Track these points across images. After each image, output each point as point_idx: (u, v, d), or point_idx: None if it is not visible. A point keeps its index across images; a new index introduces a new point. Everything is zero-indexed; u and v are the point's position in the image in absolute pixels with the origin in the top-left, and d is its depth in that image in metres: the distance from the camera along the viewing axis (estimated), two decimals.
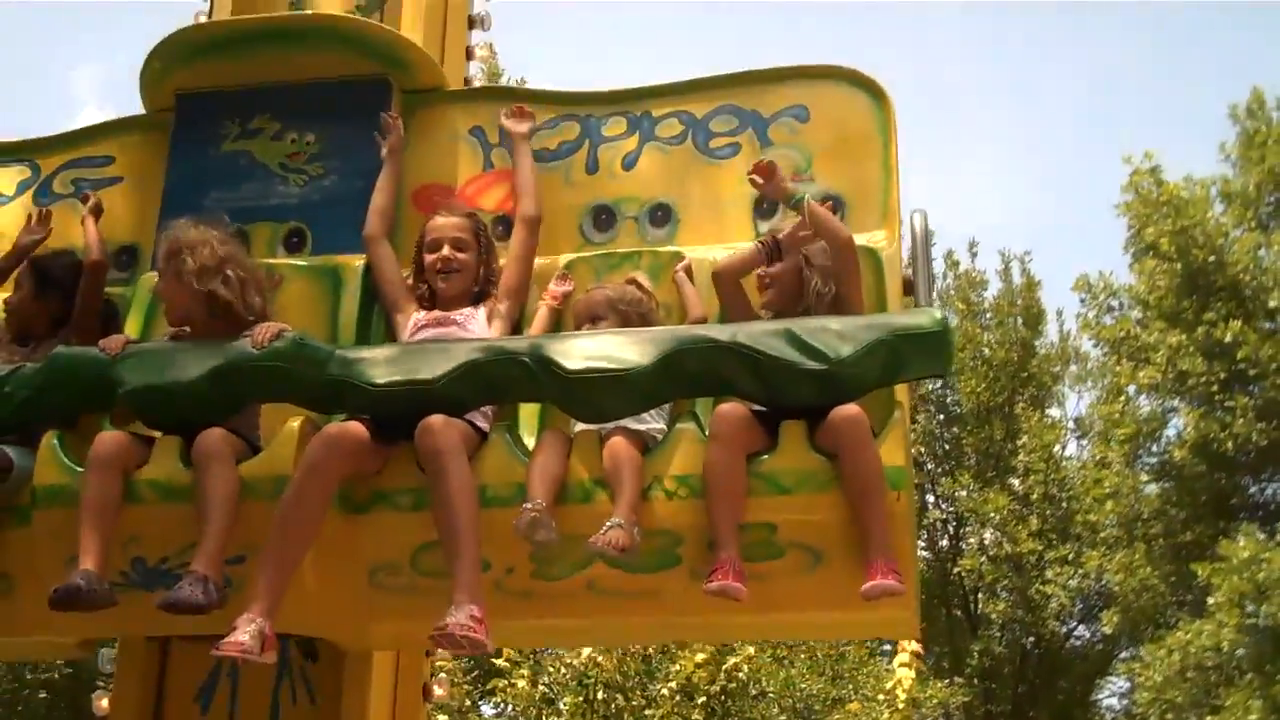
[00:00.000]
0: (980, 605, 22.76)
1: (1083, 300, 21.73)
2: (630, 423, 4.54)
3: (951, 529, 23.67)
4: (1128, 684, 20.99)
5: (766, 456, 4.36)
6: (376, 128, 5.42)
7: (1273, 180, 19.92)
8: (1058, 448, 23.19)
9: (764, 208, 5.23)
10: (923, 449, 22.84)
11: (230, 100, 5.60)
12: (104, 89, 43.37)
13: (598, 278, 5.18)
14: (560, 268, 5.23)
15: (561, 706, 13.56)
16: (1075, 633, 23.29)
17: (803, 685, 15.38)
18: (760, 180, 4.84)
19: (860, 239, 5.01)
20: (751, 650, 13.54)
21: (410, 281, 5.16)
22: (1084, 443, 23.85)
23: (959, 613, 22.82)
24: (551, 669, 13.80)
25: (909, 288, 5.00)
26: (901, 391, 4.54)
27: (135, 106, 5.87)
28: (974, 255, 25.08)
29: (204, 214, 5.24)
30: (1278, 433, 18.73)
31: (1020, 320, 24.30)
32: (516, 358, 4.51)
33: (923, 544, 23.66)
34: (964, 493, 22.44)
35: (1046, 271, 41.42)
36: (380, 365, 4.57)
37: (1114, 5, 41.00)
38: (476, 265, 5.09)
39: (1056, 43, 44.46)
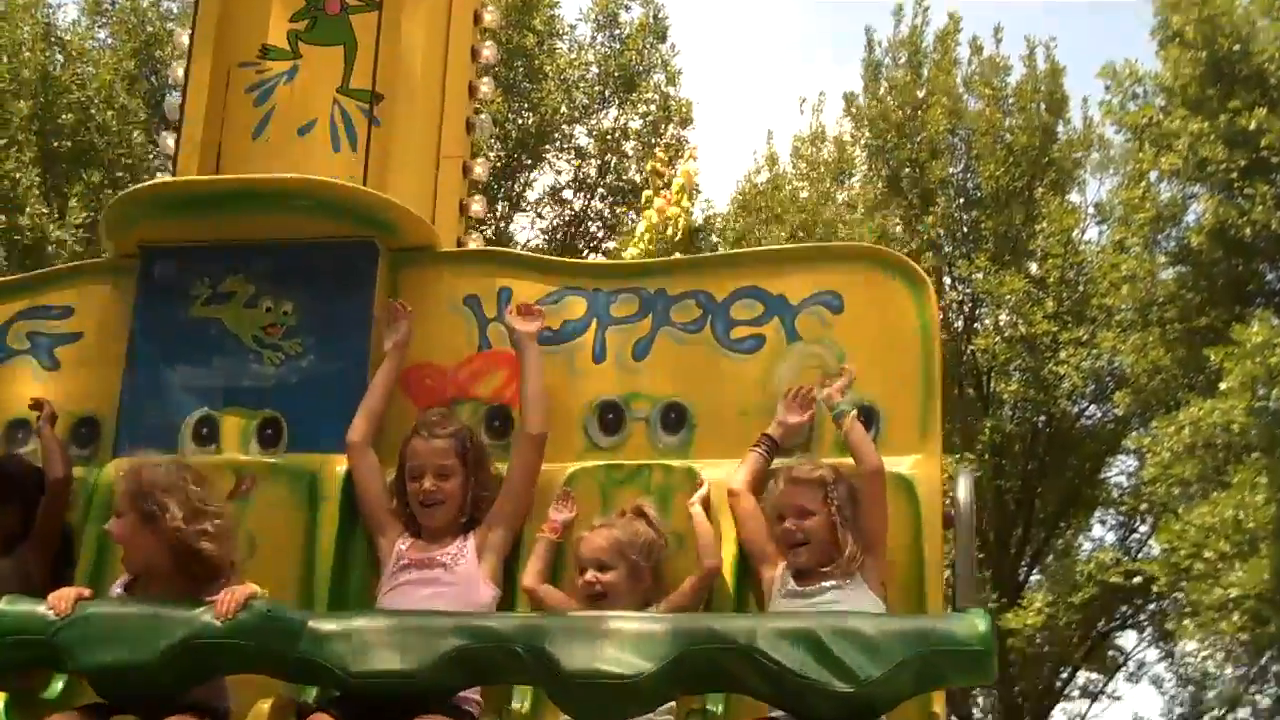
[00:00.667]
0: (993, 384, 22.80)
1: (1107, 87, 21.40)
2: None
3: (967, 309, 23.61)
4: (1136, 463, 21.29)
5: None
6: (360, 296, 4.92)
7: None
8: (1076, 232, 23.03)
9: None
10: (941, 231, 22.83)
11: (200, 257, 5.10)
12: None
13: (603, 494, 4.70)
14: (562, 481, 4.73)
15: None
16: (1086, 413, 23.27)
17: None
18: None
19: (895, 464, 4.53)
20: None
21: (393, 504, 4.68)
22: (1103, 228, 23.76)
23: (971, 391, 22.82)
24: None
25: (948, 523, 4.52)
26: (939, 701, 4.09)
27: None
28: (999, 41, 24.57)
29: (170, 393, 4.81)
30: None
31: (1043, 106, 23.84)
32: (508, 647, 4.04)
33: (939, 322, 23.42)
34: (980, 275, 22.22)
35: (1071, 59, 40.34)
36: (357, 646, 4.09)
37: None
38: (463, 491, 4.61)
39: None
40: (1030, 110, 23.55)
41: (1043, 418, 22.69)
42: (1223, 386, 16.85)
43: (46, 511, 4.78)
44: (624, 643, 3.99)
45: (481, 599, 4.47)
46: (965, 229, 23.48)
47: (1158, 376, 19.65)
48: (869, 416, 4.66)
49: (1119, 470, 23.76)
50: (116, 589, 4.51)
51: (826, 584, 4.34)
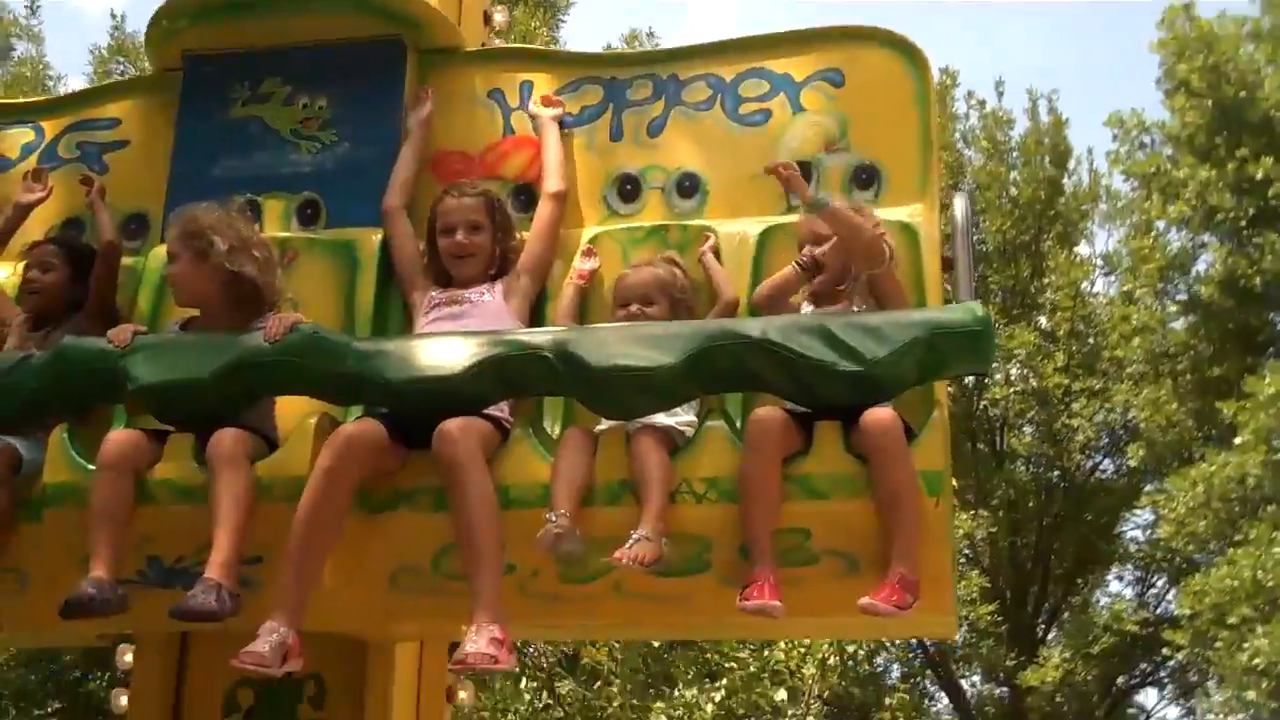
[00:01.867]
0: (1006, 439, 22.76)
1: (1114, 137, 21.46)
2: (659, 418, 4.37)
3: None
4: (1152, 516, 21.02)
5: (801, 459, 4.20)
6: (391, 90, 5.22)
7: None
8: (1085, 284, 23.04)
9: None
10: (948, 287, 22.57)
11: (239, 62, 5.40)
12: None
13: (623, 252, 4.99)
14: (584, 241, 5.03)
15: None
16: (1100, 466, 23.19)
17: None
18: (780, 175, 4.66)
19: (896, 213, 4.83)
20: None
21: (425, 260, 4.98)
22: (1111, 279, 23.69)
23: (984, 446, 22.68)
24: None
25: (948, 265, 4.81)
26: (941, 390, 4.38)
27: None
28: (1000, 94, 24.64)
29: (214, 185, 5.10)
30: None
31: (1047, 159, 23.81)
32: (539, 353, 4.32)
33: (948, 381, 23.30)
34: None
35: (1073, 112, 40.59)
36: (397, 360, 4.38)
37: None
38: (491, 246, 4.91)
39: None
40: (1034, 163, 23.61)
41: (1056, 472, 22.69)
42: (1237, 441, 16.79)
43: (99, 278, 5.05)
44: (646, 342, 4.29)
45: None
46: (973, 284, 23.60)
47: (1171, 430, 19.54)
48: (871, 175, 4.97)
49: (1134, 524, 23.65)
50: (172, 328, 4.81)
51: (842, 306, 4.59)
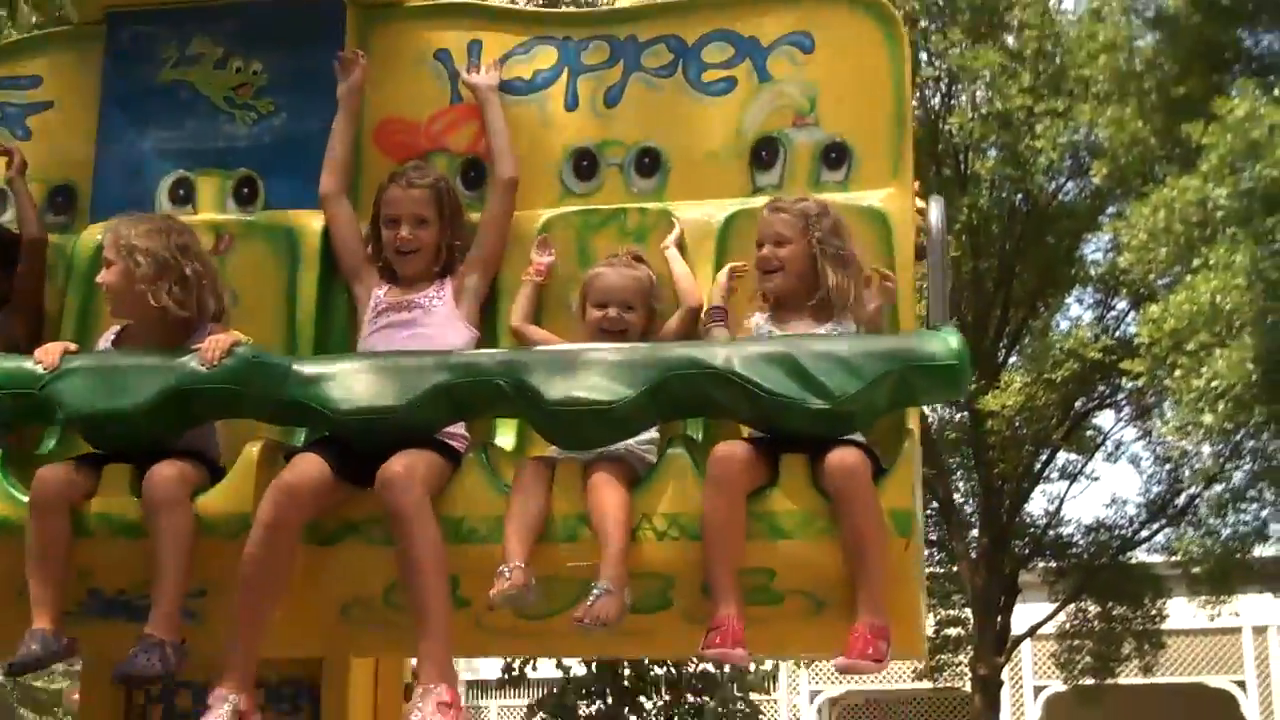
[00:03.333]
0: (970, 163, 22.46)
1: None
2: (617, 450, 4.18)
3: (944, 86, 23.13)
4: (1113, 240, 20.91)
5: (765, 494, 4.02)
6: (330, 53, 4.88)
7: None
8: (1054, 2, 22.52)
9: (763, 157, 4.73)
10: (916, 5, 22.19)
11: (166, 20, 5.07)
12: None
13: (579, 239, 4.73)
14: (538, 227, 4.75)
15: None
16: (1064, 189, 22.93)
17: None
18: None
19: (867, 197, 4.59)
20: None
21: (369, 251, 4.71)
22: None
23: (948, 171, 22.38)
24: None
25: (921, 253, 4.57)
26: (913, 418, 4.18)
27: None
28: None
29: (145, 159, 4.83)
30: None
31: None
32: (491, 380, 4.11)
33: (915, 102, 23.18)
34: (956, 50, 21.84)
35: None
36: (342, 386, 4.16)
37: None
38: (438, 240, 4.63)
39: None
40: None
41: (1020, 195, 22.41)
42: (1203, 167, 16.28)
43: (26, 274, 4.79)
44: (604, 371, 4.07)
45: (460, 340, 4.52)
46: (941, 2, 22.67)
47: (1135, 148, 19.03)
48: (841, 153, 4.69)
49: (1095, 247, 23.59)
50: (103, 344, 4.57)
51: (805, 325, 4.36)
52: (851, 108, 4.71)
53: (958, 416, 23.05)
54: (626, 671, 15.24)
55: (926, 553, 19.34)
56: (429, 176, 4.64)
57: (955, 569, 22.45)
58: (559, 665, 15.51)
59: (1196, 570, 20.65)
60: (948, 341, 3.98)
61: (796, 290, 4.39)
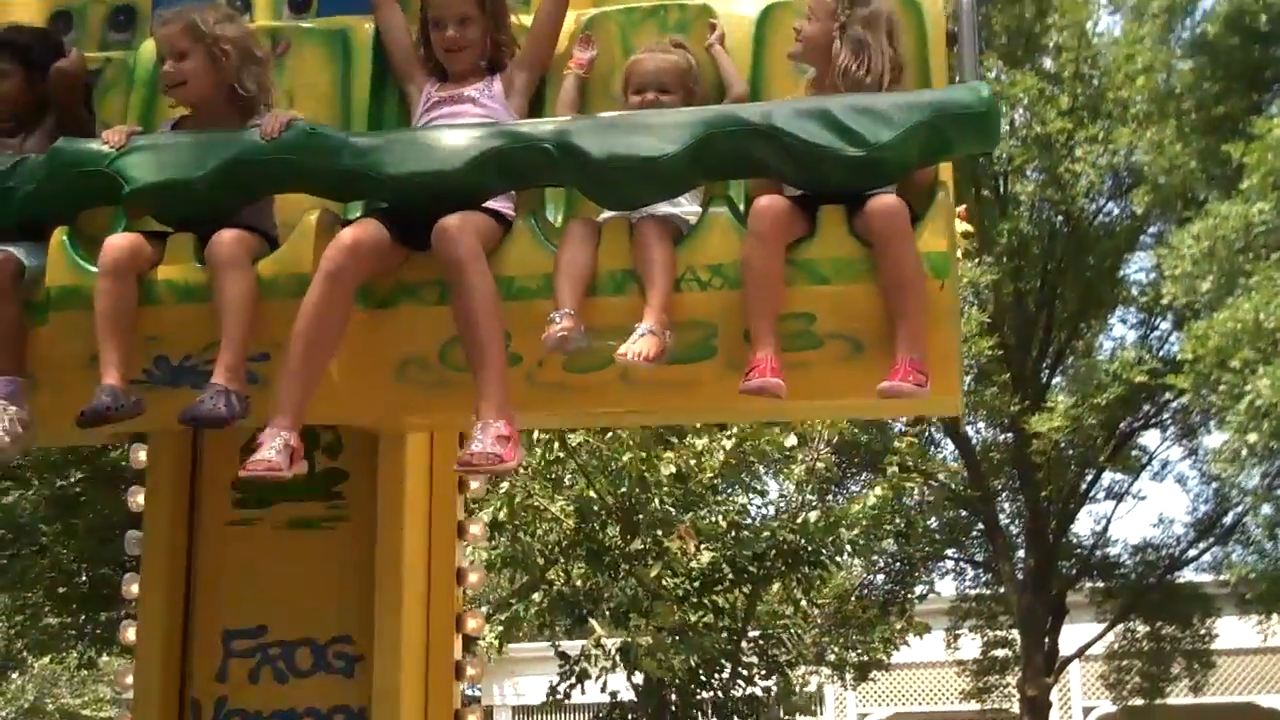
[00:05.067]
0: (1009, 185, 22.54)
1: None
2: (662, 206, 4.34)
3: None
4: (1155, 263, 20.86)
5: (805, 244, 4.18)
6: None
7: None
8: (1090, 24, 22.49)
9: None
10: (953, 26, 22.21)
11: None
12: None
13: (622, 36, 4.87)
14: (581, 26, 4.91)
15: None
16: (1104, 210, 23.08)
17: None
18: None
19: None
20: None
21: (420, 52, 4.87)
22: (1116, 18, 23.32)
23: (988, 193, 22.48)
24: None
25: (952, 41, 4.71)
26: (946, 171, 4.32)
27: None
28: None
29: None
30: None
31: None
32: (539, 144, 4.28)
33: None
34: (993, 74, 21.83)
35: None
36: (395, 154, 4.34)
37: None
38: (483, 38, 4.78)
39: None
40: None
41: (1060, 217, 22.41)
42: (1244, 185, 16.38)
43: (63, 104, 4.91)
44: (649, 130, 4.23)
45: None
46: (976, 25, 23.03)
47: (1175, 172, 19.04)
48: None
49: (1137, 267, 23.51)
50: (164, 128, 4.75)
51: None
52: None
53: (1003, 438, 23.07)
54: (673, 696, 15.22)
55: (973, 574, 19.34)
56: None
57: (1002, 590, 22.42)
58: (604, 689, 15.50)
59: (1246, 593, 20.45)
60: (978, 91, 4.14)
61: (815, 60, 4.53)
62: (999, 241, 21.24)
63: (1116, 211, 22.92)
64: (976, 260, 19.40)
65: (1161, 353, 21.98)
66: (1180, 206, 19.40)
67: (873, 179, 4.13)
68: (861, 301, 4.12)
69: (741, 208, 4.42)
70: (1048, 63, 22.27)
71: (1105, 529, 23.54)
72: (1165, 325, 22.84)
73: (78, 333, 4.39)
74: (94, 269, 4.39)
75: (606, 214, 4.41)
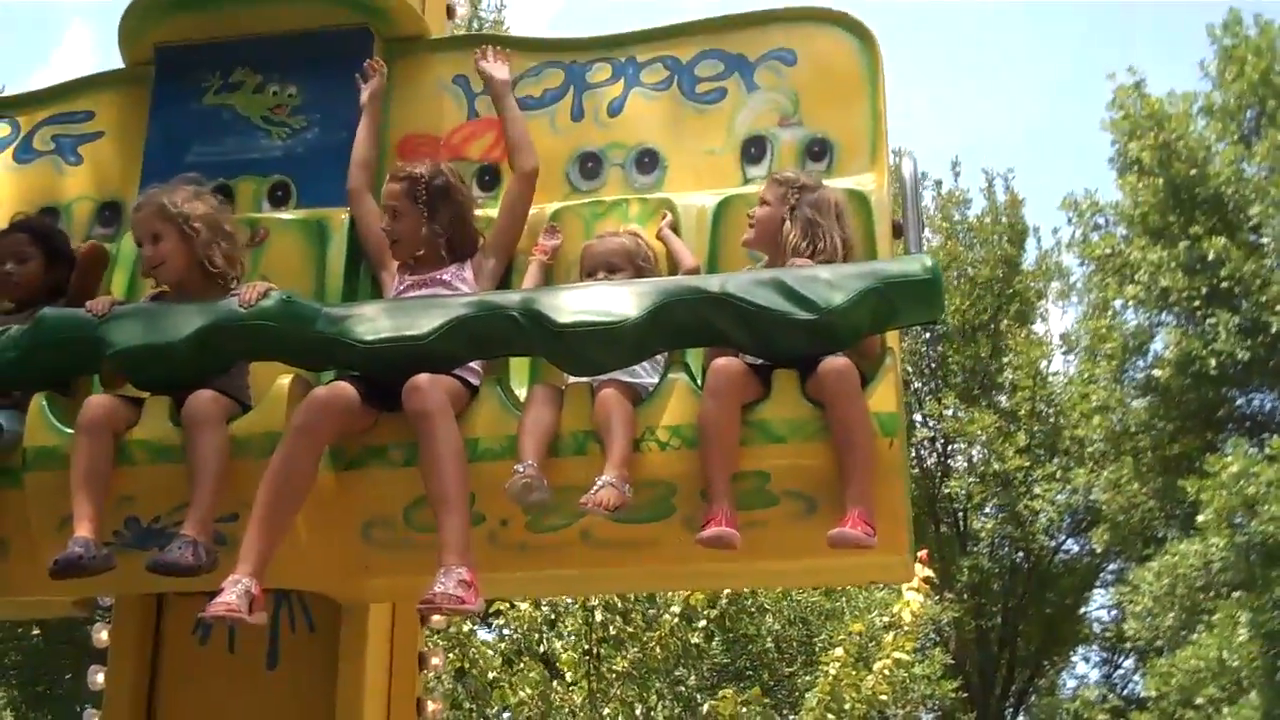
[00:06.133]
0: (969, 521, 22.82)
1: (1070, 220, 21.80)
2: (623, 375, 4.53)
3: (939, 447, 23.63)
4: (1116, 602, 21.00)
5: (760, 405, 4.36)
6: (358, 78, 5.38)
7: (1253, 94, 19.92)
8: (1044, 363, 23.23)
9: (752, 153, 5.20)
10: (909, 367, 22.86)
11: (210, 53, 5.56)
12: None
13: (585, 227, 5.14)
14: (547, 218, 5.18)
15: (563, 629, 13.65)
16: (1064, 547, 23.37)
17: (799, 597, 15.46)
18: None
19: (848, 182, 5.02)
20: None
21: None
22: (1070, 358, 23.89)
23: (947, 529, 22.82)
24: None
25: (898, 231, 4.98)
26: (893, 339, 4.54)
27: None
28: (956, 174, 25.15)
29: (186, 170, 5.22)
30: (1262, 348, 18.64)
31: (1004, 238, 24.14)
32: (505, 312, 4.49)
33: (911, 460, 23.47)
34: (950, 411, 22.37)
35: (1028, 189, 41.35)
36: (368, 322, 4.54)
37: None
38: (415, 228, 4.94)
39: None
40: (992, 242, 23.78)
41: (1020, 554, 22.77)
42: (1200, 519, 16.82)
43: (84, 284, 5.17)
44: (611, 298, 4.46)
45: None
46: (933, 364, 23.65)
47: (1133, 511, 19.57)
48: (823, 147, 5.16)
49: (1098, 604, 23.78)
50: (145, 300, 4.94)
51: None
52: (832, 110, 5.21)
53: None
54: None
55: None
56: (413, 169, 4.99)
57: None
58: None
59: None
60: (923, 261, 4.39)
61: (766, 246, 4.80)
62: (959, 579, 21.37)
63: (1076, 549, 23.28)
64: (938, 597, 19.54)
65: (1125, 691, 21.96)
66: (1140, 545, 19.65)
67: (824, 343, 4.32)
68: (815, 460, 4.28)
69: (699, 379, 4.61)
70: (1004, 400, 22.86)
71: None
72: (1128, 663, 22.94)
73: (53, 494, 4.49)
74: (70, 432, 4.52)
75: (570, 381, 4.60)
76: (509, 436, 4.41)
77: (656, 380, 4.60)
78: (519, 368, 4.85)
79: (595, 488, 4.18)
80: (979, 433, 21.78)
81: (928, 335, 23.83)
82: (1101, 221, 21.35)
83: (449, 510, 4.20)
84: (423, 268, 4.99)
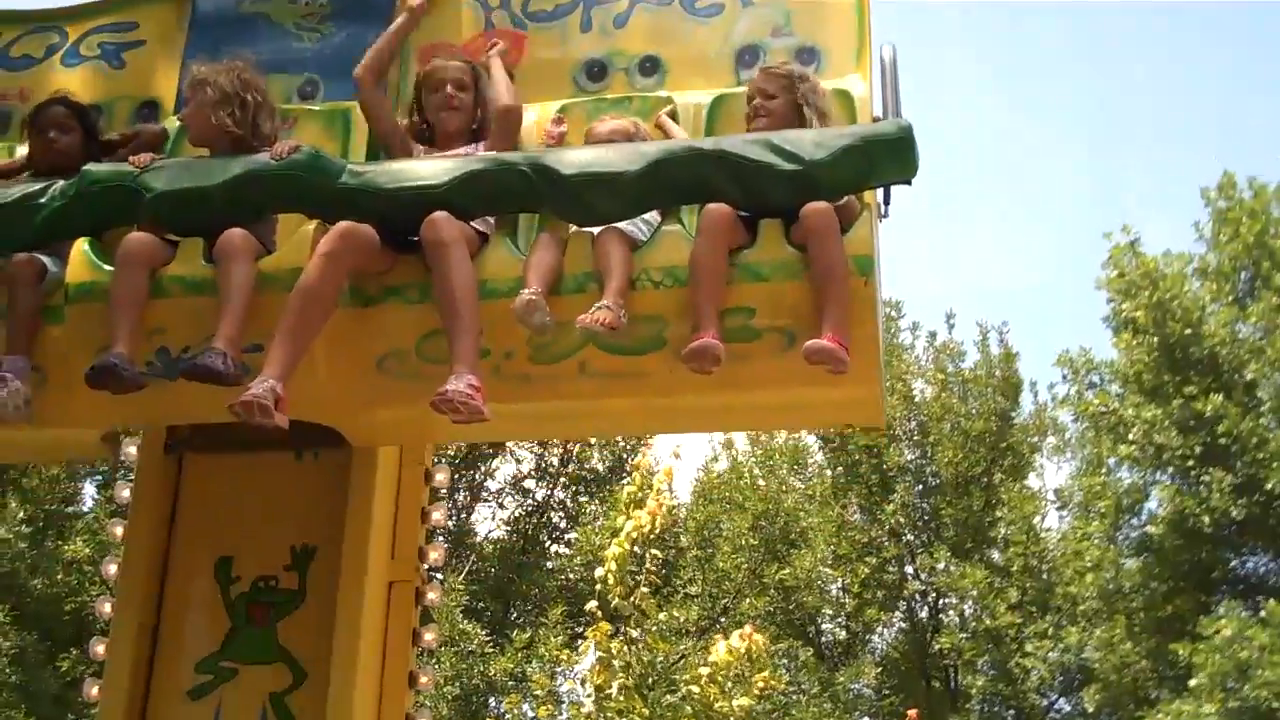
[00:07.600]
0: (960, 678, 22.61)
1: (1065, 377, 21.79)
2: (622, 225, 4.91)
3: (931, 601, 23.59)
4: None
5: (746, 250, 4.74)
6: None
7: (1247, 255, 20.13)
8: (1037, 519, 23.07)
9: (746, 59, 5.63)
10: (901, 519, 22.80)
11: None
12: None
13: (591, 120, 5.55)
14: (555, 110, 5.60)
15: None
16: (1056, 706, 23.07)
17: None
18: None
19: (835, 83, 5.42)
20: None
21: (408, 120, 5.50)
22: (1063, 514, 23.64)
23: (938, 684, 22.69)
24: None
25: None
26: (869, 198, 4.91)
27: None
28: (951, 326, 25.16)
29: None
30: (1257, 507, 18.59)
31: (998, 391, 24.14)
32: (516, 167, 4.89)
33: (901, 615, 23.95)
34: (942, 565, 22.33)
35: (1023, 343, 41.57)
36: (389, 174, 4.95)
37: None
38: (474, 106, 5.44)
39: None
40: (986, 396, 23.78)
41: (1012, 712, 22.51)
42: (1193, 683, 16.70)
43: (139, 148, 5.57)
44: (613, 154, 4.87)
45: None
46: (925, 516, 23.54)
47: (1125, 672, 19.36)
48: (812, 54, 5.59)
49: None
50: None
51: None
52: (821, 21, 5.64)
53: None
54: None
55: None
56: (460, 59, 5.52)
57: None
58: None
59: None
60: (897, 123, 4.81)
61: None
62: None
63: (1068, 708, 22.87)
64: None
65: None
66: (1132, 705, 19.44)
67: (808, 194, 4.71)
68: (796, 297, 4.66)
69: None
70: (996, 555, 22.70)
71: None
72: None
73: (92, 324, 4.86)
74: (110, 268, 4.90)
75: (573, 230, 4.98)
76: (515, 278, 4.77)
77: (651, 229, 4.99)
78: (526, 227, 5.22)
79: (593, 309, 4.55)
80: (971, 588, 21.64)
81: (920, 487, 23.80)
82: (1097, 380, 21.41)
83: (460, 329, 4.57)
84: (442, 144, 5.39)
